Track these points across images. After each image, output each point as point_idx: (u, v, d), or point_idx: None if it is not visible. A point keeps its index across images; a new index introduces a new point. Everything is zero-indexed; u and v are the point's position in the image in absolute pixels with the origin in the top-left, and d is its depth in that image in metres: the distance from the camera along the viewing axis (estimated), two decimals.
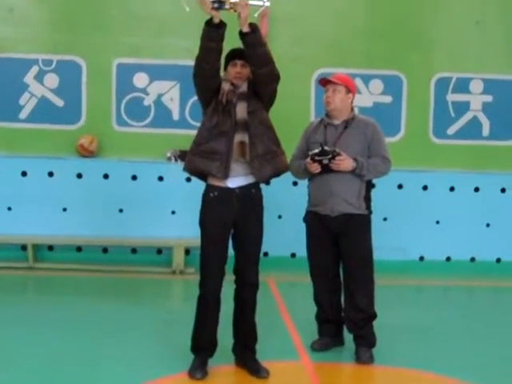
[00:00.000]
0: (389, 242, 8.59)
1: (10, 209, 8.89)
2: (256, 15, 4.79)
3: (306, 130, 5.69)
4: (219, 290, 4.95)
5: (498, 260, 9.33)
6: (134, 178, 8.96)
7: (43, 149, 8.92)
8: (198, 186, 5.14)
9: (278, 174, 5.01)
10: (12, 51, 8.94)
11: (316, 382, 5.13)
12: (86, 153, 8.90)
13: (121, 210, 8.96)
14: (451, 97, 9.38)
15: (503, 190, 9.32)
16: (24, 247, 8.73)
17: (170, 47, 9.03)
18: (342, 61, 9.05)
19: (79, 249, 8.99)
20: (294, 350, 5.69)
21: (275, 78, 4.89)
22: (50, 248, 8.95)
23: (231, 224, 4.95)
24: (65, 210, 8.91)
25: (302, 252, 5.77)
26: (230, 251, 4.98)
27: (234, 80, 4.92)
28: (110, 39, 9.01)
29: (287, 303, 7.30)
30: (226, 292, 5.01)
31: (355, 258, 5.43)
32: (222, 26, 4.69)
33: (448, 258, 9.29)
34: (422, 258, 9.27)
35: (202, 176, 5.00)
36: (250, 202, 4.95)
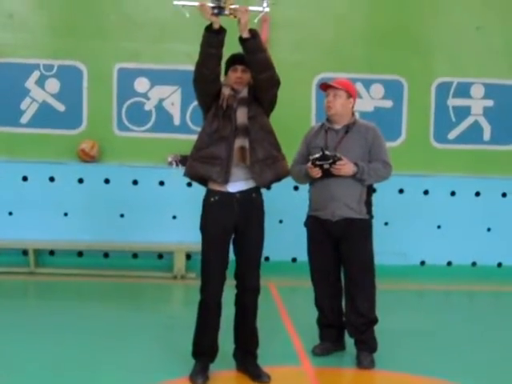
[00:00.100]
0: (390, 246, 8.58)
1: (11, 214, 8.90)
2: (256, 21, 4.80)
3: (307, 135, 5.69)
4: (220, 294, 4.94)
5: (499, 264, 9.33)
6: (135, 182, 8.97)
7: (44, 154, 8.94)
8: (199, 190, 5.13)
9: (278, 179, 5.01)
10: (13, 56, 8.96)
11: None
12: (87, 158, 8.91)
13: (122, 215, 8.97)
14: (452, 101, 9.39)
15: (504, 195, 9.32)
16: (25, 252, 8.74)
17: (170, 52, 9.05)
18: (342, 66, 9.06)
19: (80, 254, 9.00)
20: (295, 354, 5.69)
21: (275, 83, 4.89)
22: (51, 253, 8.97)
23: (232, 228, 4.95)
24: (66, 214, 8.92)
25: (303, 256, 5.77)
26: (231, 256, 4.98)
27: (234, 85, 4.93)
28: (111, 44, 9.04)
29: (288, 308, 7.29)
30: (226, 297, 5.00)
31: (356, 263, 5.43)
32: (221, 31, 4.70)
33: (449, 263, 9.29)
34: (423, 263, 9.27)
35: (203, 181, 5.01)
36: (250, 207, 4.95)
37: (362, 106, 8.90)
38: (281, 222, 8.93)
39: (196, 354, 5.05)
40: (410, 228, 9.14)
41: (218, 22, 4.66)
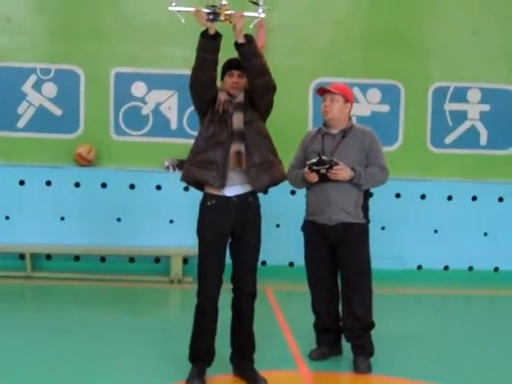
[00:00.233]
0: (387, 250, 8.60)
1: (7, 218, 8.90)
2: (251, 26, 4.81)
3: (304, 140, 5.69)
4: (217, 298, 4.94)
5: (496, 269, 9.34)
6: (132, 186, 8.97)
7: (41, 158, 8.94)
8: (196, 194, 5.14)
9: (275, 184, 5.02)
10: (10, 60, 8.96)
11: None
12: (83, 162, 8.90)
13: (119, 219, 8.97)
14: (449, 106, 9.40)
15: (501, 199, 9.33)
16: (22, 256, 8.73)
17: (167, 56, 9.05)
18: (339, 70, 9.07)
19: (77, 258, 8.99)
20: (291, 359, 5.69)
21: (271, 88, 4.90)
22: (48, 257, 8.96)
23: (229, 232, 4.95)
24: (63, 218, 8.92)
25: (300, 261, 5.78)
26: (228, 260, 4.98)
27: (230, 90, 4.94)
28: (108, 48, 9.04)
29: (285, 312, 7.29)
30: (223, 301, 5.00)
31: (353, 268, 5.43)
32: (217, 37, 4.71)
33: (446, 267, 9.29)
34: (419, 267, 9.27)
35: (200, 186, 5.01)
36: (247, 211, 4.95)
37: (359, 111, 8.91)
38: (278, 226, 8.94)
39: (193, 358, 5.05)
40: (407, 232, 9.15)
41: (214, 27, 4.68)
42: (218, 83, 4.97)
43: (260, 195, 5.06)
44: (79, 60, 9.01)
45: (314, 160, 5.31)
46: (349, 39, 9.26)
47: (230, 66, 4.96)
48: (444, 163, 9.37)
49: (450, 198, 9.28)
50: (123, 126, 9.10)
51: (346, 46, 9.23)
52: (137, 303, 7.64)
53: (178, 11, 4.78)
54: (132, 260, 9.04)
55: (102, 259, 9.00)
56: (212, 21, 4.64)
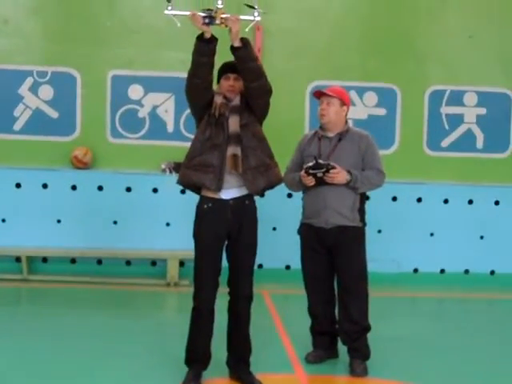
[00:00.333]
0: (383, 254, 8.60)
1: (4, 221, 8.88)
2: (247, 30, 4.82)
3: (300, 143, 5.69)
4: (213, 301, 4.94)
5: (492, 272, 9.34)
6: (129, 189, 8.96)
7: (37, 160, 8.92)
8: (193, 197, 5.14)
9: (271, 187, 5.02)
10: (6, 63, 8.95)
11: None
12: (80, 164, 8.89)
13: (115, 222, 8.95)
14: (445, 109, 9.41)
15: (497, 203, 9.34)
16: (18, 259, 8.71)
17: (164, 59, 9.06)
18: (336, 73, 9.07)
19: (73, 261, 8.97)
20: (288, 362, 5.68)
21: (267, 91, 4.91)
22: (44, 260, 8.94)
23: (225, 235, 4.95)
24: (59, 221, 8.91)
25: (297, 264, 5.77)
26: (224, 263, 4.98)
27: (226, 93, 4.94)
28: (105, 51, 9.03)
29: (281, 315, 7.29)
30: (219, 304, 5.00)
31: (349, 271, 5.44)
32: (213, 40, 4.72)
33: (442, 271, 9.30)
34: (416, 270, 9.28)
35: (196, 189, 5.01)
36: (243, 214, 4.96)
37: (356, 114, 8.91)
38: (274, 229, 8.93)
39: (189, 361, 5.05)
40: (403, 235, 9.15)
41: (210, 31, 4.68)
42: (214, 86, 4.98)
43: (256, 198, 5.06)
44: (76, 63, 9.00)
45: (310, 164, 5.31)
46: (345, 42, 9.26)
47: (226, 69, 4.96)
48: (440, 166, 9.37)
49: (446, 201, 9.28)
50: (120, 129, 9.10)
51: (342, 50, 9.24)
52: (133, 306, 7.63)
53: (174, 15, 4.79)
54: (128, 263, 9.03)
55: (99, 262, 8.99)
56: (208, 24, 4.65)
